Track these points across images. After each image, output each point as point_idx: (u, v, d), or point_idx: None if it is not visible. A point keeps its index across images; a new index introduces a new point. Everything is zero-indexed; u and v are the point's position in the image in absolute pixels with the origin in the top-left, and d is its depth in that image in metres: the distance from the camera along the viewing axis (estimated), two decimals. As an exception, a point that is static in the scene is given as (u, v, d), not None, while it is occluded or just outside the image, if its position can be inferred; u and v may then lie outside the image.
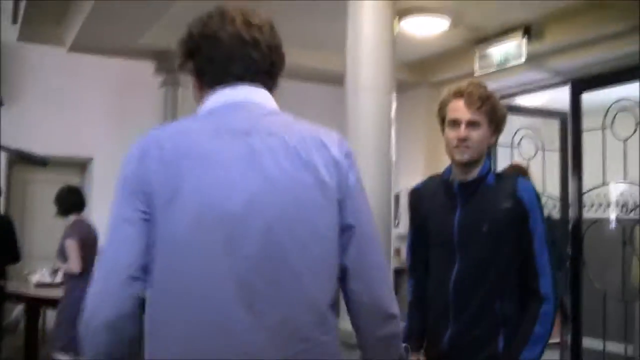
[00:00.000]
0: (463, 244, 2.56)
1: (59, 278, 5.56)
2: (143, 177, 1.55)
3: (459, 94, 2.57)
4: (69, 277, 5.35)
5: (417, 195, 2.81)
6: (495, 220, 2.53)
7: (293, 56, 6.43)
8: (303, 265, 1.59)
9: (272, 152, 1.60)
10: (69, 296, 5.23)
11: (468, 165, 2.58)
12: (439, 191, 2.71)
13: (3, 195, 7.11)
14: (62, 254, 5.29)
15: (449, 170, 2.68)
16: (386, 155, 4.02)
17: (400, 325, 1.77)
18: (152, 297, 1.57)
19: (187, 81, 5.95)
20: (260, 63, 1.69)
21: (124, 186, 1.58)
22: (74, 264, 5.17)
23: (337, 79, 4.39)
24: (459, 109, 2.55)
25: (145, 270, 1.56)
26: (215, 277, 1.53)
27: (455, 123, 2.55)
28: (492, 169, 2.66)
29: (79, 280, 5.14)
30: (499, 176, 2.67)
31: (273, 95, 1.75)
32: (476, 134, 2.53)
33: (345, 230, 1.67)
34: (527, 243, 2.52)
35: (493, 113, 2.56)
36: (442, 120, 2.64)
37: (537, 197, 2.60)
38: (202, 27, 1.69)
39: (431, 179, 2.84)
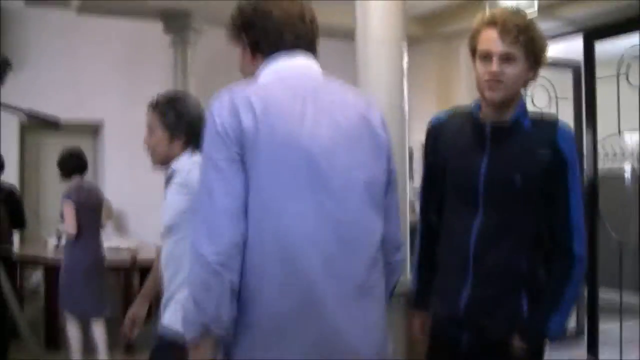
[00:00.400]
0: (490, 195, 2.30)
1: (63, 241, 5.62)
2: (235, 126, 1.80)
3: (492, 22, 2.26)
4: (66, 239, 5.39)
5: (439, 129, 2.50)
6: (530, 172, 2.27)
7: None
8: (368, 204, 1.94)
9: (339, 108, 1.94)
10: (66, 258, 5.27)
11: (501, 105, 2.30)
12: (465, 129, 2.41)
13: (17, 160, 7.15)
14: (62, 217, 5.33)
15: (478, 106, 2.39)
16: (399, 109, 4.00)
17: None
18: (250, 238, 1.79)
19: (197, 40, 5.90)
20: (306, 33, 2.01)
21: (217, 134, 1.81)
22: (69, 226, 5.20)
23: (347, 33, 4.33)
24: (492, 40, 2.24)
25: (245, 210, 1.80)
26: (306, 213, 1.83)
27: (487, 56, 2.25)
28: (527, 111, 2.38)
29: (75, 243, 5.18)
30: (536, 120, 2.37)
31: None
32: (511, 70, 2.24)
33: (388, 175, 2.04)
34: (563, 198, 2.28)
35: (531, 45, 2.25)
36: (473, 51, 2.33)
37: (576, 147, 2.35)
38: (255, 4, 1.98)
39: (456, 113, 2.50)
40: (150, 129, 2.94)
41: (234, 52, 2.06)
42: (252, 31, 1.99)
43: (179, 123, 2.90)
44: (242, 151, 1.80)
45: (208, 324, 1.74)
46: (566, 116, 6.78)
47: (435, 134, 2.51)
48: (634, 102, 5.48)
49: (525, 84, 2.32)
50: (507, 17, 2.24)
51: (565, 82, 6.97)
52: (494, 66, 2.24)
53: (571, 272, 2.29)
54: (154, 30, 6.54)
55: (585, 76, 6.00)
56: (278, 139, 1.81)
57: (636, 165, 5.78)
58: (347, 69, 4.06)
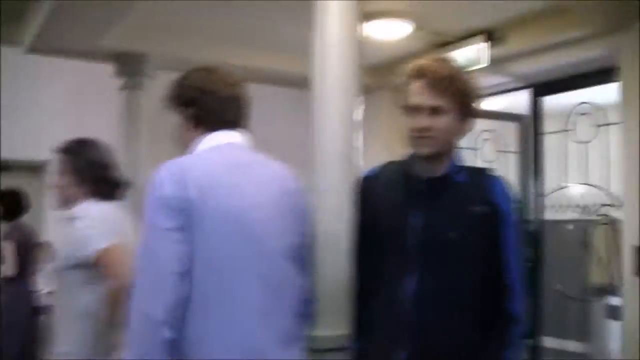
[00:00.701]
0: (426, 252, 2.14)
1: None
2: (183, 197, 2.00)
3: (419, 75, 2.14)
4: (5, 280, 5.28)
5: (371, 184, 2.37)
6: (467, 226, 2.13)
7: (257, 59, 6.40)
8: (293, 264, 2.21)
9: (268, 180, 2.22)
10: (4, 300, 5.16)
11: (432, 159, 2.18)
12: (398, 184, 2.27)
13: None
14: (1, 257, 5.24)
15: (411, 159, 2.27)
16: (352, 159, 4.00)
17: None
18: (195, 296, 2.00)
19: (149, 85, 5.84)
20: (242, 113, 2.29)
21: (164, 204, 2.00)
22: (9, 267, 5.11)
23: (300, 82, 4.35)
24: (420, 93, 2.13)
25: (188, 272, 1.99)
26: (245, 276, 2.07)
27: (416, 110, 2.14)
28: (462, 164, 2.26)
29: (14, 282, 5.08)
30: (472, 173, 2.25)
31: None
32: (441, 122, 2.12)
33: (306, 237, 2.33)
34: (499, 256, 2.15)
35: (461, 95, 2.14)
36: (402, 105, 2.23)
37: (513, 201, 2.22)
38: (202, 83, 2.24)
39: (390, 166, 2.37)
40: (60, 172, 3.08)
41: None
42: (196, 107, 2.23)
43: (87, 168, 3.02)
44: (187, 220, 1.99)
45: None
46: (513, 169, 6.93)
47: (367, 190, 2.38)
48: (579, 157, 5.64)
49: (459, 135, 2.21)
50: (435, 69, 2.14)
51: (510, 134, 7.13)
52: (423, 120, 2.12)
53: (509, 335, 2.16)
54: (105, 71, 6.48)
55: (533, 130, 6.14)
56: (220, 208, 2.04)
57: (580, 217, 5.89)
58: (299, 116, 4.09)
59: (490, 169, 2.34)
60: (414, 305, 2.13)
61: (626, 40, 4.75)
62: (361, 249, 2.37)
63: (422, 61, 2.21)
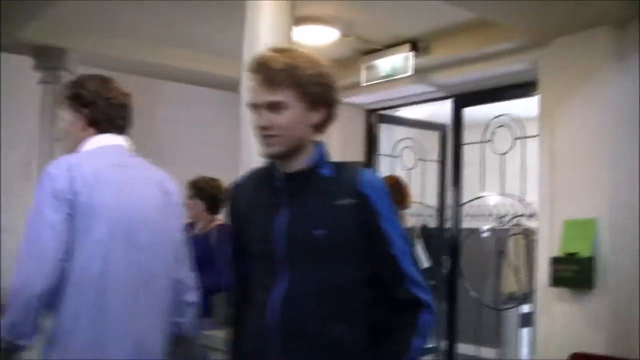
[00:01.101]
0: (293, 257, 1.98)
1: None
2: (71, 191, 2.28)
3: (254, 69, 1.98)
4: None
5: (237, 192, 2.19)
6: (334, 222, 1.97)
7: (188, 60, 6.30)
8: (170, 256, 2.52)
9: (148, 180, 2.53)
10: None
11: (286, 157, 2.01)
12: (261, 186, 2.10)
13: None
14: None
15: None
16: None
17: None
18: (70, 286, 2.26)
19: (69, 80, 5.65)
20: (128, 120, 2.57)
21: (52, 195, 2.26)
22: None
23: (232, 85, 4.33)
24: (256, 89, 1.97)
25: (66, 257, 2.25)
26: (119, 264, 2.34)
27: (255, 108, 1.98)
28: (327, 157, 2.08)
29: None
30: (339, 166, 2.07)
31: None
32: (283, 119, 1.95)
33: (181, 231, 2.63)
34: (382, 249, 2.01)
35: (307, 85, 1.97)
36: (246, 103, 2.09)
37: (386, 192, 2.07)
38: (100, 88, 2.50)
39: (256, 171, 2.19)
40: None
41: None
42: (92, 109, 2.48)
43: None
44: (72, 212, 2.26)
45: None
46: (431, 175, 7.06)
47: (235, 198, 2.20)
48: (497, 167, 5.78)
49: (313, 127, 2.03)
50: (270, 62, 1.96)
51: (432, 143, 7.26)
52: (262, 119, 1.96)
53: (418, 320, 2.02)
54: (22, 64, 6.27)
55: (453, 140, 6.26)
56: (104, 203, 2.32)
57: (495, 226, 6.04)
58: (231, 119, 4.07)
59: (360, 162, 2.22)
60: (283, 311, 1.95)
61: (546, 55, 4.91)
62: (234, 258, 2.21)
63: (262, 54, 2.01)
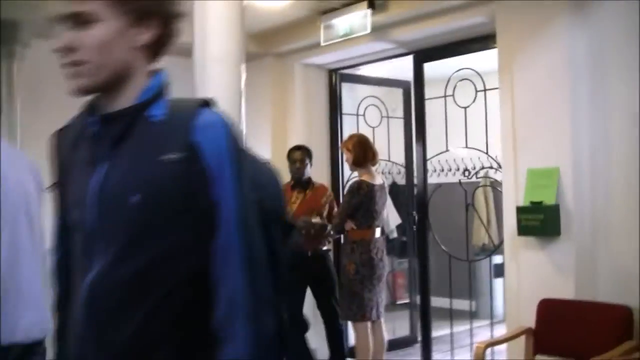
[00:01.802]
0: (102, 229, 1.47)
1: None
2: None
3: None
4: None
5: (60, 141, 1.65)
6: (151, 188, 1.45)
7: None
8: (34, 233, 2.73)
9: (17, 164, 2.69)
10: None
11: (100, 92, 1.52)
12: (81, 136, 1.58)
13: None
14: None
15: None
16: (237, 127, 3.97)
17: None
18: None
19: (24, 54, 5.54)
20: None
21: None
22: None
23: (184, 51, 4.26)
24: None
25: None
26: None
27: (62, 25, 1.49)
28: (163, 92, 1.56)
29: None
30: (174, 105, 1.54)
31: None
32: (91, 37, 1.45)
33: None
34: (207, 234, 1.47)
35: None
36: None
37: (234, 142, 1.50)
38: None
39: (81, 114, 1.61)
40: None
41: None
42: None
43: None
44: None
45: None
46: (397, 132, 7.06)
47: (57, 149, 1.66)
48: (460, 121, 5.78)
49: (144, 50, 1.53)
50: None
51: (396, 100, 7.25)
52: (64, 39, 1.47)
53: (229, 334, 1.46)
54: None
55: (415, 96, 6.25)
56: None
57: (462, 180, 6.07)
58: (185, 85, 4.01)
59: (200, 100, 1.57)
60: (88, 309, 1.47)
61: (502, 7, 4.89)
62: (58, 227, 1.69)
63: None
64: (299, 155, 5.85)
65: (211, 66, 4.01)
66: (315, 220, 5.65)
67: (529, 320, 4.47)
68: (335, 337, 5.84)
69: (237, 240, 1.47)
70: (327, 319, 5.85)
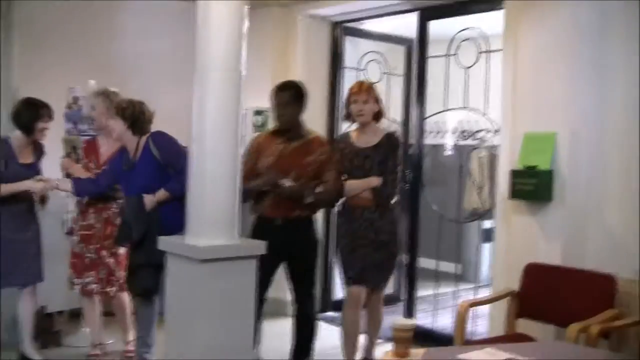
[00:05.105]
0: None
1: None
2: None
3: None
4: None
5: None
6: None
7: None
8: None
9: None
10: None
11: None
12: None
13: None
14: None
15: None
16: (236, 71, 3.92)
17: None
18: None
19: (21, 10, 5.34)
20: None
21: None
22: None
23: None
24: None
25: None
26: None
27: None
28: None
29: None
30: None
31: None
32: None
33: None
34: None
35: None
36: None
37: None
38: None
39: None
40: None
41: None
42: None
43: None
44: None
45: None
46: (397, 91, 7.01)
47: None
48: (461, 82, 5.74)
49: None
50: None
51: (397, 58, 7.18)
52: None
53: None
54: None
55: (417, 54, 6.18)
56: None
57: (457, 142, 6.04)
58: (187, 28, 3.97)
59: None
60: None
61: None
62: None
63: None
64: (284, 97, 4.63)
65: (213, 9, 3.94)
66: (287, 183, 4.46)
67: (515, 284, 4.48)
68: (304, 332, 4.76)
69: None
70: (297, 308, 4.74)
